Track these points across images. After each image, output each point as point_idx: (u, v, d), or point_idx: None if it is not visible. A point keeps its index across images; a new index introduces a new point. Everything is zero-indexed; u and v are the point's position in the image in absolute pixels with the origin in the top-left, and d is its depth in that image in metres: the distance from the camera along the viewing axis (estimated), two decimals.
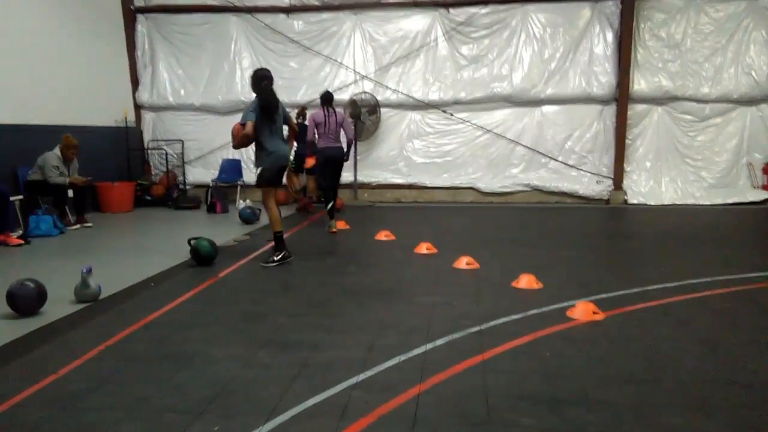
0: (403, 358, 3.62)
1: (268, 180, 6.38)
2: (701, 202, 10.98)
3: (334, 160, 8.29)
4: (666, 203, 11.07)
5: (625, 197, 11.30)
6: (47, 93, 9.37)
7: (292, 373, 3.39)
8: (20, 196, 8.20)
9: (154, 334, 4.11)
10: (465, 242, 7.41)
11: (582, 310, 4.44)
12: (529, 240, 7.72)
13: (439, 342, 3.89)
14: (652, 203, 11.11)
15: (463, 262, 6.07)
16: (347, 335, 4.04)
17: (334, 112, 8.46)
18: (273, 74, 10.17)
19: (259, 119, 6.15)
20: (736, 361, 3.59)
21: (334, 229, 8.20)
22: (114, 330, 4.15)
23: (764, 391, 3.18)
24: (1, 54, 8.46)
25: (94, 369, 3.49)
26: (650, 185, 11.33)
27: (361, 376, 3.35)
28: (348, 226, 8.57)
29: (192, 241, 6.25)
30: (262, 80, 6.27)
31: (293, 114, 10.25)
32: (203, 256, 6.13)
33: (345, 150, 8.47)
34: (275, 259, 6.25)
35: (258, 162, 6.35)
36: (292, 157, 10.19)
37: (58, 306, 4.68)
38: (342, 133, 8.44)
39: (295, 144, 10.22)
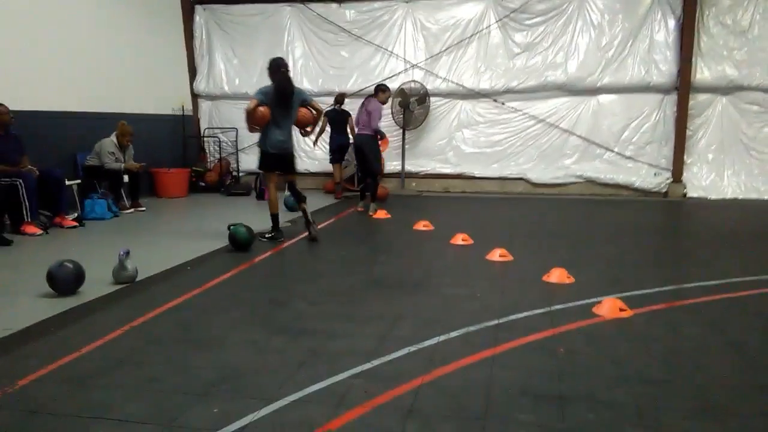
0: (413, 349, 3.61)
1: (264, 166, 6.91)
2: (766, 197, 10.43)
3: (357, 147, 9.26)
4: (728, 197, 10.57)
5: (685, 190, 10.85)
6: (108, 82, 9.76)
7: (301, 360, 3.43)
8: (78, 181, 8.60)
9: (179, 317, 4.25)
10: (505, 234, 7.30)
11: (608, 307, 4.30)
12: (572, 233, 7.52)
13: (454, 334, 3.86)
14: (713, 197, 10.63)
15: (497, 254, 5.98)
16: (363, 324, 4.06)
17: (369, 102, 9.18)
18: (325, 63, 11.12)
19: (271, 104, 6.52)
20: (764, 365, 3.41)
21: (360, 208, 9.09)
22: (142, 311, 4.30)
23: None
24: (64, 45, 8.86)
25: (114, 349, 3.63)
26: (712, 178, 10.83)
27: (367, 366, 3.36)
28: (389, 215, 8.58)
29: (231, 227, 6.42)
30: (280, 68, 6.64)
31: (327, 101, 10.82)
32: (240, 242, 6.27)
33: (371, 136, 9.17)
34: (266, 236, 6.80)
35: (259, 143, 6.92)
36: (329, 149, 10.61)
37: (97, 286, 4.89)
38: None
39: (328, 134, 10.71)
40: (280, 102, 6.57)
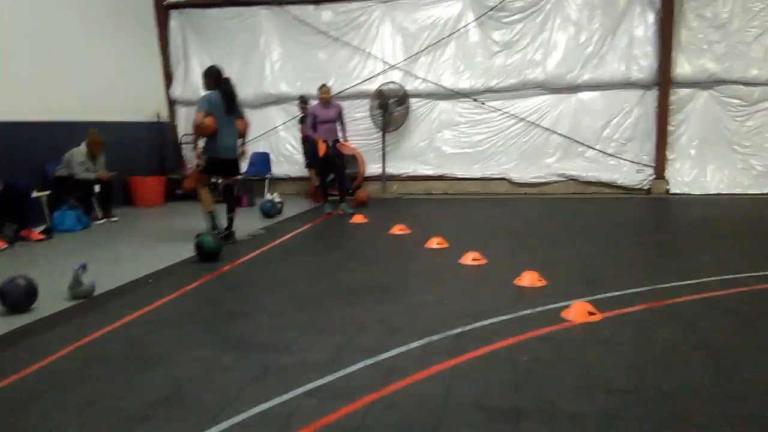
0: (370, 361, 3.45)
1: (211, 170, 7.06)
2: (750, 192, 10.33)
3: None
4: (711, 193, 10.47)
5: (668, 187, 10.74)
6: (79, 90, 9.55)
7: (250, 377, 3.27)
8: (47, 192, 8.40)
9: (131, 334, 4.07)
10: (481, 236, 7.16)
11: (576, 311, 4.15)
12: (550, 233, 7.37)
13: (414, 344, 3.70)
14: (696, 193, 10.52)
15: (470, 258, 5.83)
16: (322, 336, 3.90)
17: None
18: (302, 65, 11.40)
19: (218, 111, 6.68)
20: (736, 369, 3.27)
21: (341, 211, 9.09)
22: (92, 329, 4.13)
23: (756, 404, 2.86)
24: (33, 52, 8.66)
25: (57, 370, 3.46)
26: (694, 174, 10.72)
27: (320, 382, 3.20)
28: (366, 220, 8.42)
29: (197, 236, 6.24)
30: (220, 75, 6.85)
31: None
32: (206, 252, 6.09)
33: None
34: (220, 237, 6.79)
35: (205, 150, 6.92)
36: (307, 153, 10.59)
37: (52, 302, 4.70)
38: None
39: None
40: (228, 108, 6.77)
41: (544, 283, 4.99)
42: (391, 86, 11.11)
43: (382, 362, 3.45)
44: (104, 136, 8.88)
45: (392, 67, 11.42)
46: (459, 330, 3.93)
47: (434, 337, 3.82)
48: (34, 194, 7.94)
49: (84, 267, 4.89)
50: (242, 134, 7.26)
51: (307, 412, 2.87)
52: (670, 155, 10.77)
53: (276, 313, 4.41)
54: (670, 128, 10.68)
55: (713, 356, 3.44)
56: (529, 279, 5.02)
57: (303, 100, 10.95)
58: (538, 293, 4.78)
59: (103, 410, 2.95)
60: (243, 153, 7.43)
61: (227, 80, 6.82)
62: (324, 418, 2.81)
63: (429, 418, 2.79)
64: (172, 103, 12.28)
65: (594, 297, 4.55)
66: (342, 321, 4.20)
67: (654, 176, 10.78)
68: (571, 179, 11.12)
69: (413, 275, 5.50)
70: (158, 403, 2.99)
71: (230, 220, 7.14)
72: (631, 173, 10.91)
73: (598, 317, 4.11)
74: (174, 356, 3.61)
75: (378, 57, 11.49)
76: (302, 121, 10.71)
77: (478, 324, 4.05)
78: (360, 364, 3.41)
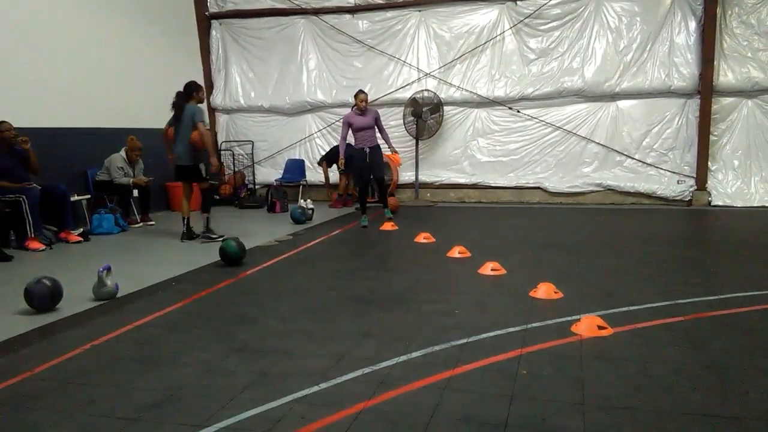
0: (367, 370, 3.46)
1: (175, 176, 7.90)
2: None
3: None
4: (755, 205, 10.11)
5: (709, 198, 10.41)
6: (123, 98, 9.91)
7: (247, 382, 3.32)
8: (87, 196, 8.72)
9: (143, 335, 4.19)
10: (505, 246, 7.09)
11: (586, 325, 4.07)
12: (576, 245, 7.23)
13: (415, 354, 3.70)
14: (739, 205, 10.18)
15: (489, 268, 5.78)
16: (326, 343, 3.93)
17: None
18: (338, 74, 11.62)
19: (175, 124, 7.56)
20: (739, 390, 3.15)
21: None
22: (108, 329, 4.27)
23: (752, 427, 2.76)
24: (79, 61, 9.04)
25: (65, 369, 3.59)
26: (738, 185, 10.37)
27: (314, 389, 3.23)
28: (394, 228, 8.43)
29: (222, 241, 6.39)
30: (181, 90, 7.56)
31: None
32: (230, 256, 6.22)
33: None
34: (183, 240, 7.77)
35: None
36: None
37: (76, 303, 4.89)
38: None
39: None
40: (176, 119, 7.51)
41: (560, 295, 4.91)
42: (426, 94, 11.13)
43: (379, 371, 3.46)
44: (143, 143, 9.17)
45: (427, 75, 11.44)
46: (463, 341, 3.91)
47: (436, 348, 3.81)
48: (74, 198, 8.25)
49: (108, 269, 5.06)
50: (199, 144, 7.37)
51: (295, 418, 2.91)
52: (712, 166, 10.47)
53: (285, 319, 4.48)
54: (712, 138, 10.38)
55: (719, 376, 3.33)
56: (545, 291, 4.94)
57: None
58: (552, 306, 4.70)
59: (99, 411, 3.03)
60: (212, 164, 7.63)
61: (178, 93, 7.48)
62: (310, 425, 2.84)
63: (416, 429, 2.79)
64: (212, 111, 12.57)
65: (609, 311, 4.46)
66: (348, 329, 4.23)
67: (695, 187, 10.48)
68: (609, 189, 10.91)
69: (429, 284, 5.49)
70: (154, 405, 3.07)
71: (206, 220, 7.80)
72: (671, 184, 10.65)
73: (608, 332, 4.02)
74: (179, 358, 3.70)
75: (413, 65, 11.53)
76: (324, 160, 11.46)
77: (484, 335, 4.02)
78: (357, 373, 3.43)
